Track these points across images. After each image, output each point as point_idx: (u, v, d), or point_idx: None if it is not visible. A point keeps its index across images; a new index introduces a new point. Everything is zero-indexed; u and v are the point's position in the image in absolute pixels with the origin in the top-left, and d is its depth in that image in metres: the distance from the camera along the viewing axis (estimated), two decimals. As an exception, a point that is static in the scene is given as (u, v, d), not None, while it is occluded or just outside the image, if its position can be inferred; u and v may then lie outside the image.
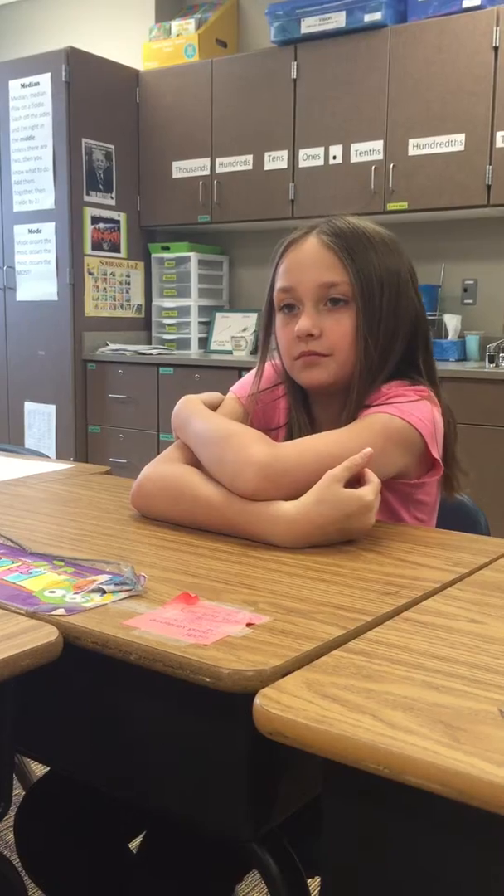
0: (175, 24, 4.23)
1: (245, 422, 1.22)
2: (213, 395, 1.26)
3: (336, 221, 1.17)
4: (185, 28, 4.19)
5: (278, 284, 1.18)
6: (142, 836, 1.15)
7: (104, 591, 0.83)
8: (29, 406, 4.32)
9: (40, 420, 4.29)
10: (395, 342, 1.17)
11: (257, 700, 0.60)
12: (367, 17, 3.52)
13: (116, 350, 4.12)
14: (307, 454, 1.04)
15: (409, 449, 1.10)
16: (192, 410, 1.18)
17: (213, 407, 1.24)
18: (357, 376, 1.14)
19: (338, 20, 3.58)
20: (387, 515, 1.17)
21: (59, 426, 4.23)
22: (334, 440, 1.06)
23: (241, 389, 1.28)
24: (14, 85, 4.11)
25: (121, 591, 0.83)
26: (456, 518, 1.28)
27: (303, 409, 1.24)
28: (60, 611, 0.78)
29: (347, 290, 1.13)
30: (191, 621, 0.76)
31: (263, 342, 1.26)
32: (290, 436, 1.23)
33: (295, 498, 1.01)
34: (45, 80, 4.00)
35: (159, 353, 4.09)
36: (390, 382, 1.16)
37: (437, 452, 1.12)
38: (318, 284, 1.14)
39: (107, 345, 4.20)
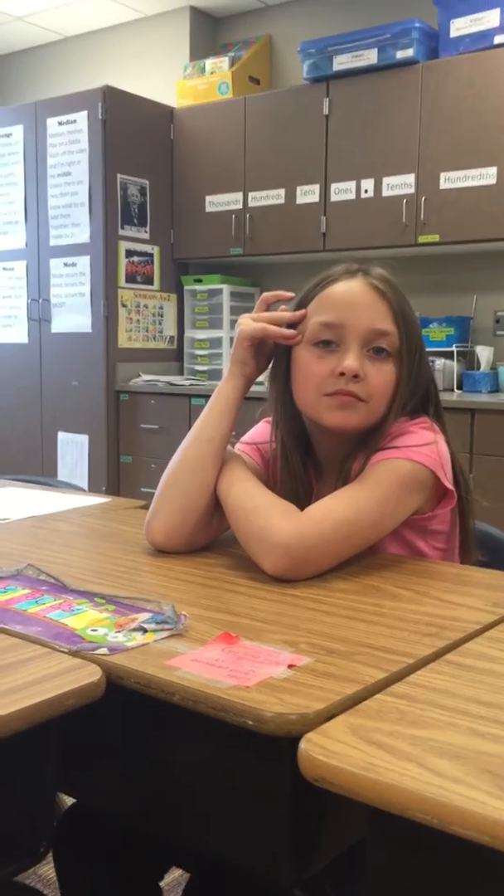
0: (209, 63, 4.31)
1: (260, 475, 1.23)
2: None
3: (380, 270, 1.17)
4: (218, 66, 4.27)
5: (321, 318, 1.15)
6: (177, 873, 1.14)
7: (146, 630, 0.83)
8: (62, 436, 4.37)
9: (73, 449, 4.33)
10: (414, 400, 1.18)
11: (302, 745, 0.60)
12: (399, 54, 3.56)
13: (149, 381, 4.16)
14: (326, 524, 1.04)
15: (422, 488, 1.12)
16: (233, 474, 1.17)
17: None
18: (382, 427, 1.14)
19: (370, 57, 3.63)
20: (405, 549, 1.17)
21: (92, 456, 4.26)
22: (349, 504, 1.07)
23: (248, 445, 1.29)
24: (52, 122, 4.20)
25: (162, 630, 0.83)
26: (494, 556, 1.27)
27: (297, 450, 1.23)
28: (103, 650, 0.78)
29: (395, 343, 1.14)
30: (232, 662, 0.76)
31: (274, 385, 1.23)
32: (286, 482, 1.22)
33: (323, 571, 1.05)
34: (82, 117, 4.08)
35: (191, 384, 4.12)
36: None
37: (448, 482, 1.12)
38: (370, 329, 1.13)
39: (139, 375, 4.24)
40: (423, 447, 1.11)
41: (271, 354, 1.23)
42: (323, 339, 1.15)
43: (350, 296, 1.15)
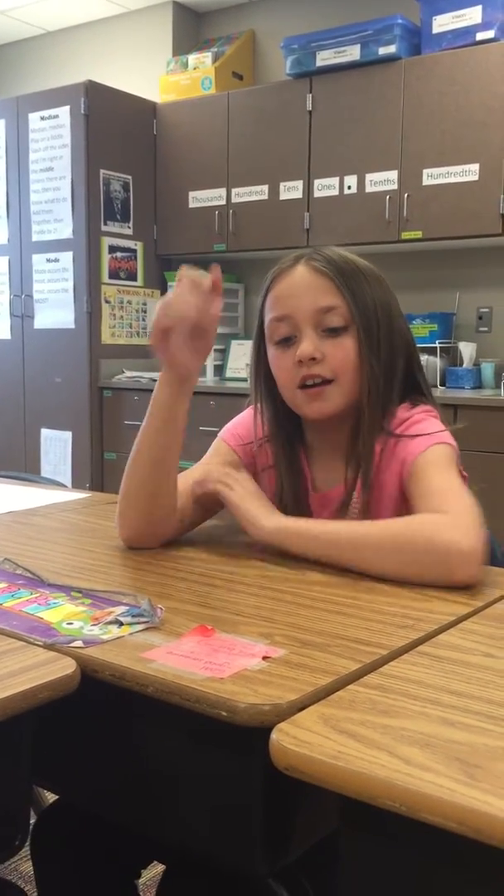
0: (192, 58, 4.30)
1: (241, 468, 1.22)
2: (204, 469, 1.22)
3: (323, 250, 1.17)
4: (201, 61, 4.26)
5: (272, 314, 1.16)
6: (153, 867, 1.14)
7: (121, 623, 0.83)
8: (45, 432, 4.36)
9: (57, 446, 4.32)
10: (396, 365, 1.17)
11: (273, 735, 0.61)
12: (382, 51, 3.57)
13: (132, 377, 4.15)
14: (469, 515, 1.00)
15: (457, 465, 1.14)
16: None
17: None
18: (366, 401, 1.14)
19: (353, 53, 3.63)
20: None
21: (76, 452, 4.25)
22: (455, 490, 1.05)
23: (233, 438, 1.27)
24: (34, 117, 4.18)
25: (138, 623, 0.83)
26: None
27: (286, 441, 1.22)
28: (78, 643, 0.78)
29: (346, 314, 1.13)
30: (207, 654, 0.76)
31: (255, 379, 1.24)
32: (277, 473, 1.22)
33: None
34: (64, 112, 4.07)
35: (175, 381, 4.11)
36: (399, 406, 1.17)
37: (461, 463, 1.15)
38: (315, 309, 1.13)
39: (123, 372, 4.23)
40: (442, 433, 1.14)
41: (206, 343, 1.17)
42: (281, 335, 1.16)
43: (290, 285, 1.15)
